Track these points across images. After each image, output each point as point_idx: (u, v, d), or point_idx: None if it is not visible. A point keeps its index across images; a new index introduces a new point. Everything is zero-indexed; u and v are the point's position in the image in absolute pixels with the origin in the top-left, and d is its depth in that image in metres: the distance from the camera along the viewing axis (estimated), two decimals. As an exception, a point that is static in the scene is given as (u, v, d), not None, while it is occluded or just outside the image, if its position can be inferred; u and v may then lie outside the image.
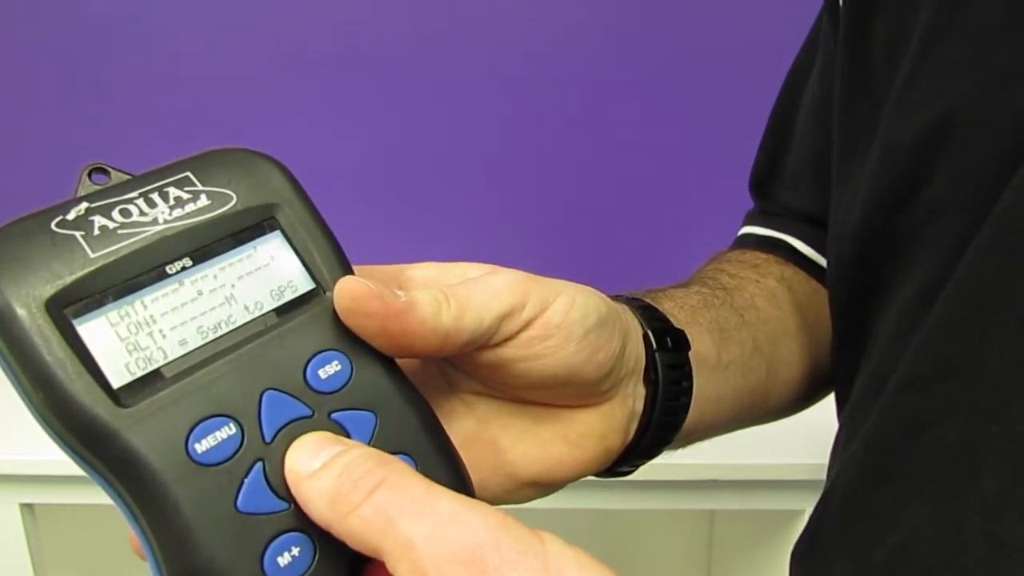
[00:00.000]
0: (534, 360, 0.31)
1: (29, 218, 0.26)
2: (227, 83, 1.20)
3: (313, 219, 0.29)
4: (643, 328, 0.36)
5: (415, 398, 0.29)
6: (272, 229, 0.28)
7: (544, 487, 0.35)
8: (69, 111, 1.22)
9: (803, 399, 0.52)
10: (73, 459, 0.25)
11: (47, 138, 1.24)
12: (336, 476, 0.24)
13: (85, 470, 0.25)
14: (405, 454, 0.27)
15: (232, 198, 0.28)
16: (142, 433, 0.24)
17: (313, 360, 0.27)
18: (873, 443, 0.37)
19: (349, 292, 0.27)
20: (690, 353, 0.38)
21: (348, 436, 0.26)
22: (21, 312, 0.24)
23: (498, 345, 0.31)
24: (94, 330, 0.25)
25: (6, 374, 0.25)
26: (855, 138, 0.41)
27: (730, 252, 0.56)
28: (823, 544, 0.41)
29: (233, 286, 0.27)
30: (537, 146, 1.21)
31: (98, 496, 0.87)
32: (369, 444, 0.26)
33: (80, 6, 1.18)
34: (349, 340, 0.28)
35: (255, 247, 0.28)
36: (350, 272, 0.29)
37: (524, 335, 0.31)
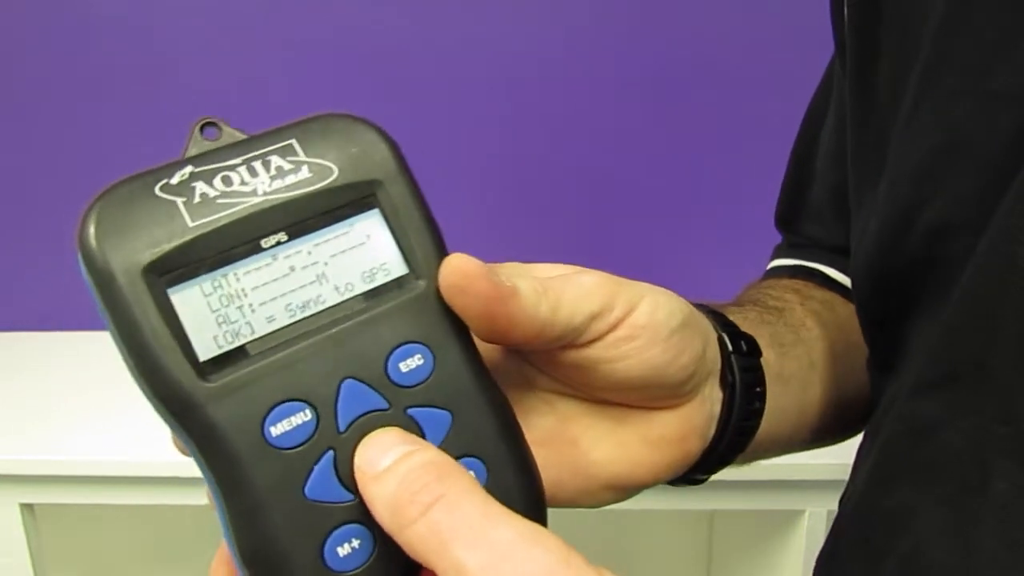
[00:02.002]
0: (619, 361, 0.31)
1: (135, 179, 0.26)
2: (227, 83, 1.20)
3: (415, 200, 0.28)
4: (718, 331, 0.37)
5: (496, 399, 0.28)
6: (371, 207, 0.28)
7: (621, 490, 0.35)
8: (69, 111, 1.22)
9: (858, 421, 0.51)
10: (165, 421, 0.25)
11: (47, 138, 1.24)
12: (397, 484, 0.23)
13: (174, 432, 0.26)
14: (477, 458, 0.27)
15: (333, 172, 0.27)
16: (222, 410, 0.24)
17: (396, 351, 0.26)
18: (884, 449, 0.38)
19: (459, 269, 0.27)
20: (761, 359, 0.38)
21: (422, 434, 0.26)
22: (121, 277, 0.24)
23: (585, 345, 0.31)
24: (187, 300, 0.25)
25: (111, 336, 0.25)
26: (866, 171, 0.43)
27: (765, 281, 0.57)
28: (840, 550, 0.42)
29: (326, 264, 0.27)
30: (537, 146, 1.21)
31: (98, 496, 0.87)
32: (442, 444, 0.26)
33: (80, 6, 1.18)
34: (435, 333, 0.27)
35: (351, 225, 0.27)
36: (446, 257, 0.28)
37: (611, 336, 0.31)
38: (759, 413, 0.38)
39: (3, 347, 1.27)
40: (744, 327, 0.40)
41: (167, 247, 0.25)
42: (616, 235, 1.25)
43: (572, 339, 0.30)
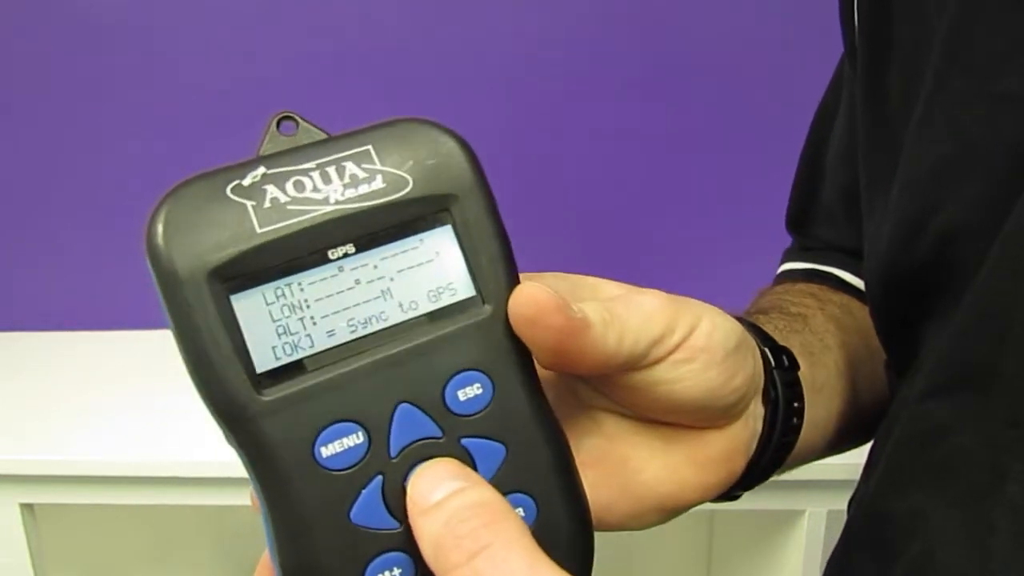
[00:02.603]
0: (677, 383, 0.31)
1: (207, 177, 0.25)
2: (227, 84, 1.20)
3: (489, 219, 0.27)
4: (760, 347, 0.36)
5: (552, 435, 0.27)
6: (443, 222, 0.27)
7: (668, 512, 0.34)
8: (69, 111, 1.22)
9: (876, 425, 0.52)
10: (218, 425, 0.25)
11: (47, 138, 1.24)
12: (443, 525, 0.23)
13: (226, 439, 0.25)
14: (527, 494, 0.26)
15: (408, 183, 0.26)
16: (274, 426, 0.24)
17: (455, 378, 0.26)
18: (895, 452, 0.38)
19: (533, 300, 0.26)
20: (799, 373, 0.38)
21: (474, 465, 0.26)
22: (185, 280, 0.24)
23: (644, 368, 0.30)
24: (249, 308, 0.24)
25: (172, 335, 0.25)
26: (878, 174, 0.43)
27: (779, 286, 0.56)
28: (851, 553, 0.42)
29: (391, 280, 0.26)
30: (536, 146, 1.20)
31: (98, 496, 0.87)
32: (493, 478, 0.26)
33: (80, 5, 1.18)
34: (497, 362, 0.26)
35: (421, 239, 0.26)
36: (516, 283, 0.27)
37: (671, 358, 0.30)
38: (798, 429, 0.38)
39: (3, 347, 1.27)
40: (776, 338, 0.40)
41: (233, 252, 0.24)
42: (616, 234, 1.25)
43: (634, 364, 0.30)
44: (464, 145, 0.27)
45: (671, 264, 1.21)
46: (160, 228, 0.24)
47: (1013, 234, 0.33)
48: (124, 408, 1.06)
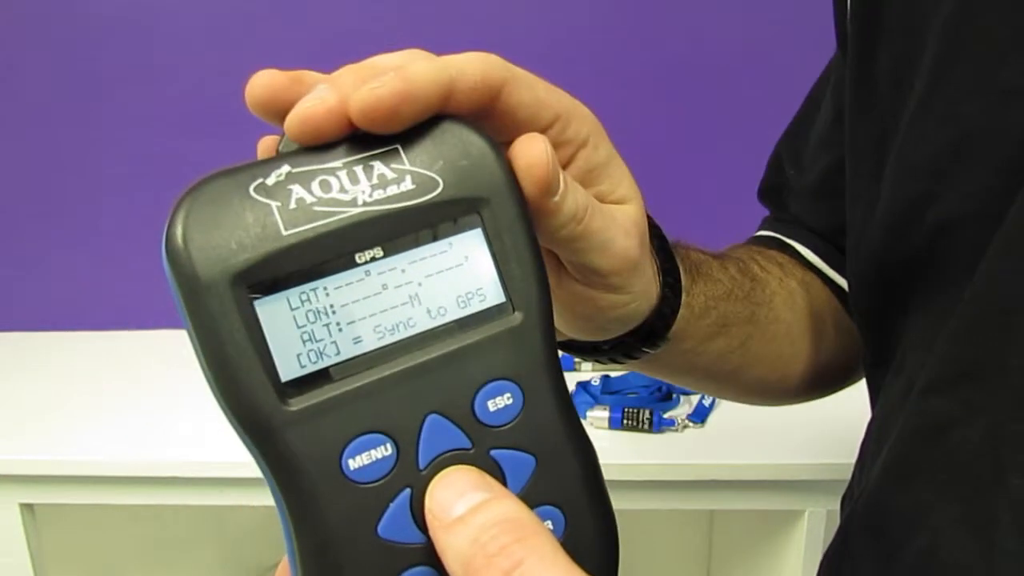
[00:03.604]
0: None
1: (228, 175, 0.24)
2: (229, 83, 1.20)
3: (521, 223, 0.26)
4: (659, 284, 0.39)
5: (582, 445, 0.26)
6: (474, 226, 0.26)
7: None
8: (69, 110, 1.22)
9: (791, 395, 0.55)
10: (239, 436, 0.24)
11: (47, 138, 1.24)
12: (471, 542, 0.22)
13: (247, 449, 0.24)
14: (556, 507, 0.26)
15: (438, 185, 0.25)
16: (300, 438, 0.23)
17: (485, 388, 0.25)
18: (898, 447, 0.38)
19: (538, 155, 0.27)
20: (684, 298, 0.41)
21: (503, 478, 0.25)
22: (206, 283, 0.23)
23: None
24: (273, 313, 0.23)
25: (189, 339, 0.24)
26: (865, 160, 0.43)
27: (755, 245, 0.58)
28: (850, 549, 0.42)
29: (420, 284, 0.25)
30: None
31: (98, 496, 0.87)
32: (522, 491, 0.25)
33: (78, 5, 1.18)
34: (528, 372, 0.26)
35: (451, 243, 0.26)
36: (547, 291, 0.27)
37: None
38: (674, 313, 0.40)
39: (3, 347, 1.27)
40: (700, 291, 0.42)
41: (257, 255, 0.23)
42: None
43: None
44: (495, 146, 0.26)
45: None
46: (180, 229, 0.23)
47: (1017, 227, 0.32)
48: (124, 408, 1.06)
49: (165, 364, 1.14)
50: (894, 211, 0.39)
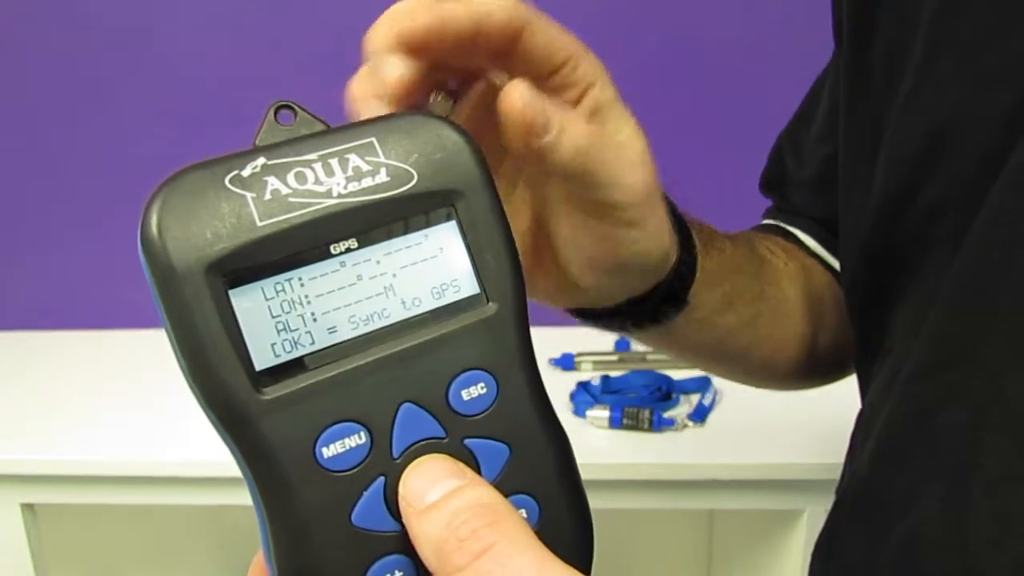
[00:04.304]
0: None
1: (204, 167, 0.24)
2: (228, 81, 1.20)
3: (495, 215, 0.27)
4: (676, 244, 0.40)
5: (556, 436, 0.27)
6: (448, 218, 0.26)
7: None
8: (69, 110, 1.22)
9: (794, 378, 0.56)
10: (213, 426, 0.24)
11: (46, 137, 1.24)
12: (443, 527, 0.22)
13: (222, 439, 0.24)
14: (530, 496, 0.26)
15: (412, 177, 0.26)
16: (274, 426, 0.23)
17: (459, 378, 0.25)
18: (885, 433, 0.39)
19: (523, 102, 0.30)
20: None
21: (477, 467, 0.25)
22: (182, 273, 0.23)
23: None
24: (248, 303, 0.24)
25: (164, 329, 0.24)
26: (858, 148, 0.44)
27: (761, 230, 0.59)
28: (839, 535, 0.43)
29: (395, 276, 0.25)
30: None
31: (98, 496, 0.86)
32: (496, 480, 0.25)
33: (79, 6, 1.18)
34: (502, 361, 0.26)
35: (426, 235, 0.26)
36: (521, 282, 0.27)
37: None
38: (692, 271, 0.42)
39: (3, 347, 1.27)
40: (711, 263, 0.43)
41: (232, 245, 0.23)
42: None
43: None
44: (469, 140, 0.27)
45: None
46: (155, 219, 0.23)
47: (996, 213, 0.33)
48: (124, 408, 1.06)
49: (165, 364, 1.13)
50: (883, 198, 0.40)
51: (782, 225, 0.58)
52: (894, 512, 0.37)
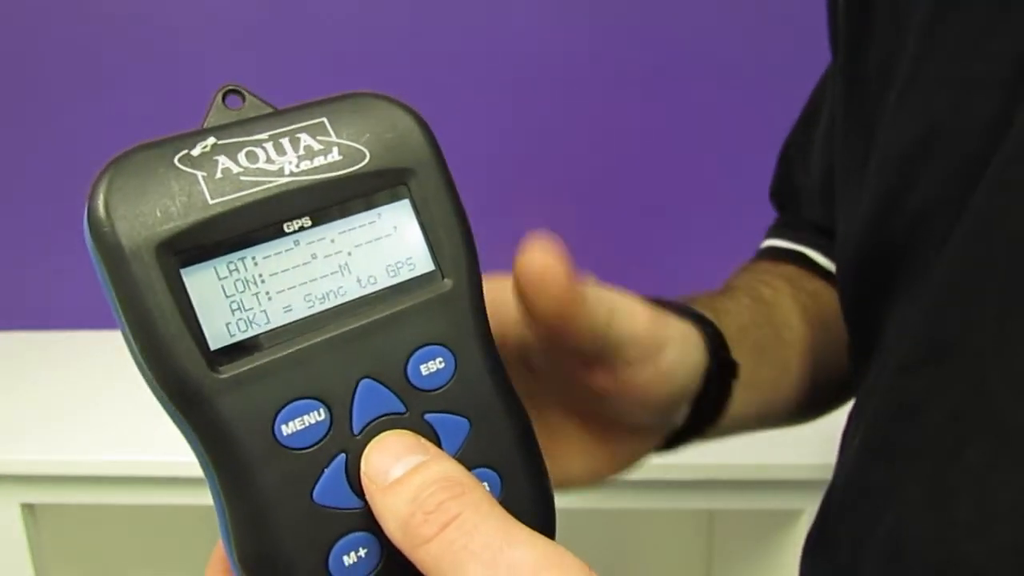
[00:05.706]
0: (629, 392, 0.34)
1: (153, 147, 0.24)
2: (225, 81, 1.19)
3: (447, 193, 0.27)
4: (708, 362, 0.39)
5: (515, 409, 0.27)
6: (401, 197, 0.26)
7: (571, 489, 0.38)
8: (68, 109, 1.22)
9: (812, 411, 0.56)
10: (167, 412, 0.24)
11: (46, 136, 1.24)
12: (409, 502, 0.22)
13: (176, 425, 0.24)
14: (492, 469, 0.26)
15: (365, 156, 0.26)
16: (230, 404, 0.23)
17: (417, 353, 0.25)
18: (870, 429, 0.39)
19: (541, 263, 0.28)
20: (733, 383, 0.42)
21: (438, 441, 0.25)
22: (131, 252, 0.22)
23: (611, 359, 0.33)
24: (201, 282, 0.23)
25: (113, 313, 0.23)
26: (853, 156, 0.44)
27: (762, 263, 0.58)
28: (828, 531, 0.43)
29: (349, 254, 0.25)
30: (533, 144, 1.21)
31: (98, 496, 0.86)
32: (457, 454, 0.25)
33: (76, 5, 1.19)
34: (459, 336, 0.26)
35: (379, 214, 0.26)
36: (475, 258, 0.27)
37: (637, 360, 0.34)
38: (711, 423, 0.43)
39: (3, 347, 1.27)
40: (730, 333, 0.42)
41: (184, 224, 0.23)
42: (613, 233, 1.25)
43: (612, 349, 0.33)
44: (420, 120, 0.27)
45: (668, 263, 1.21)
46: (102, 198, 0.23)
47: (979, 213, 0.34)
48: (124, 408, 1.06)
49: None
50: (875, 202, 0.40)
51: (790, 246, 0.58)
52: (879, 507, 0.37)
